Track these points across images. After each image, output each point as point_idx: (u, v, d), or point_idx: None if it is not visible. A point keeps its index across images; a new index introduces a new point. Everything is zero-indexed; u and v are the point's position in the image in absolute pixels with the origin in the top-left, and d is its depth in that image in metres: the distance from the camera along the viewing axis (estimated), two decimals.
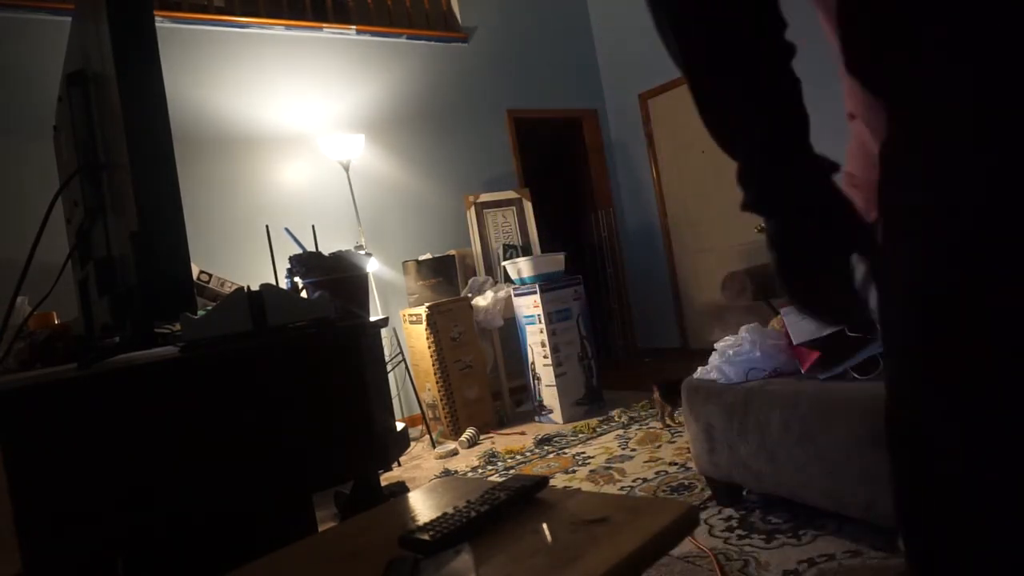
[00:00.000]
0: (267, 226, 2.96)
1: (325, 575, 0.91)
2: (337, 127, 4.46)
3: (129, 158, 0.93)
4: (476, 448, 3.66)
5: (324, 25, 4.51)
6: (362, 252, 4.07)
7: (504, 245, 4.88)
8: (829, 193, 0.69)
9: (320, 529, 1.30)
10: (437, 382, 3.97)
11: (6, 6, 3.47)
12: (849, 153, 0.83)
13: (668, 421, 3.34)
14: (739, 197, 0.72)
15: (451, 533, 0.86)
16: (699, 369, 2.29)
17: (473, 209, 4.82)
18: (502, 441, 3.74)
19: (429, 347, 3.96)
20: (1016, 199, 0.51)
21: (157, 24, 1.06)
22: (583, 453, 3.21)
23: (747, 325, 2.20)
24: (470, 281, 4.53)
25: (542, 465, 3.14)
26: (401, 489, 2.67)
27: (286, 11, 4.45)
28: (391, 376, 4.07)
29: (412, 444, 3.99)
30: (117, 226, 1.05)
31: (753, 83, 0.67)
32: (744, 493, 2.23)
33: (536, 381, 4.09)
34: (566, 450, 3.32)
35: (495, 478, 3.03)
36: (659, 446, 3.07)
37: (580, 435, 3.55)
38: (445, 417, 3.96)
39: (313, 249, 3.06)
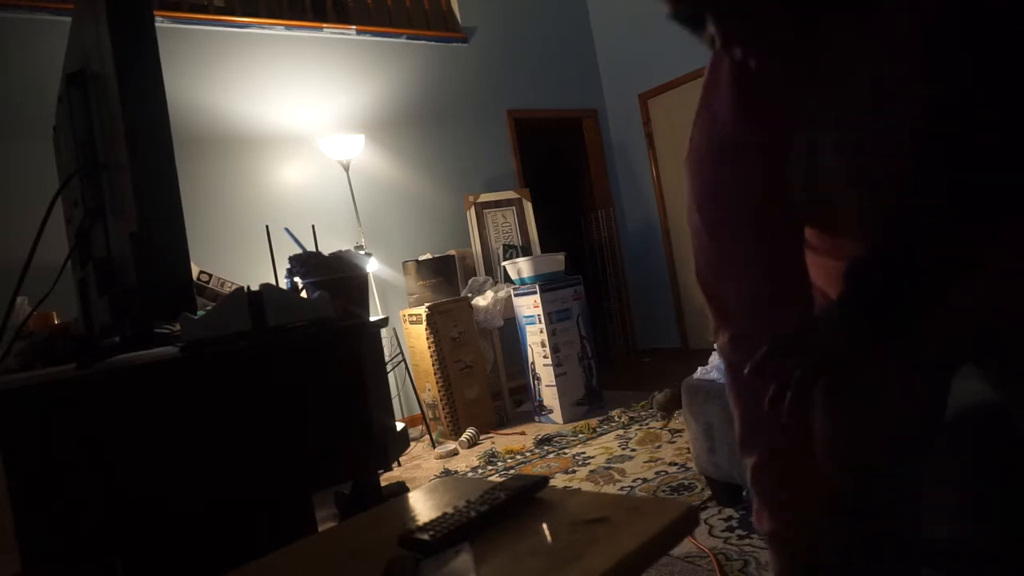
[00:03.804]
0: (267, 226, 2.95)
1: (325, 575, 0.91)
2: (337, 127, 4.46)
3: (129, 158, 0.93)
4: (476, 448, 3.66)
5: (324, 25, 4.51)
6: (362, 252, 4.07)
7: (504, 245, 4.88)
8: None
9: (320, 529, 1.30)
10: (437, 382, 3.97)
11: (6, 6, 3.47)
12: None
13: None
14: None
15: (451, 533, 0.86)
16: (699, 369, 2.29)
17: (473, 209, 4.82)
18: (502, 441, 3.74)
19: (429, 347, 3.96)
20: None
21: (157, 24, 1.06)
22: (583, 453, 3.21)
23: None
24: (470, 281, 4.53)
25: (542, 465, 3.14)
26: (401, 489, 2.67)
27: (286, 11, 4.46)
28: (391, 376, 4.07)
29: (412, 444, 3.99)
30: (117, 226, 1.05)
31: None
32: (744, 493, 2.23)
33: (536, 381, 4.09)
34: (566, 450, 3.32)
35: (495, 478, 3.03)
36: (659, 446, 3.07)
37: (580, 435, 3.55)
38: (445, 417, 3.96)
39: (313, 249, 3.06)
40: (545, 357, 4.00)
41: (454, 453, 3.62)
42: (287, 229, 3.29)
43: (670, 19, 0.72)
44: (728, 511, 2.17)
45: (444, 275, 4.33)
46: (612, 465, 2.93)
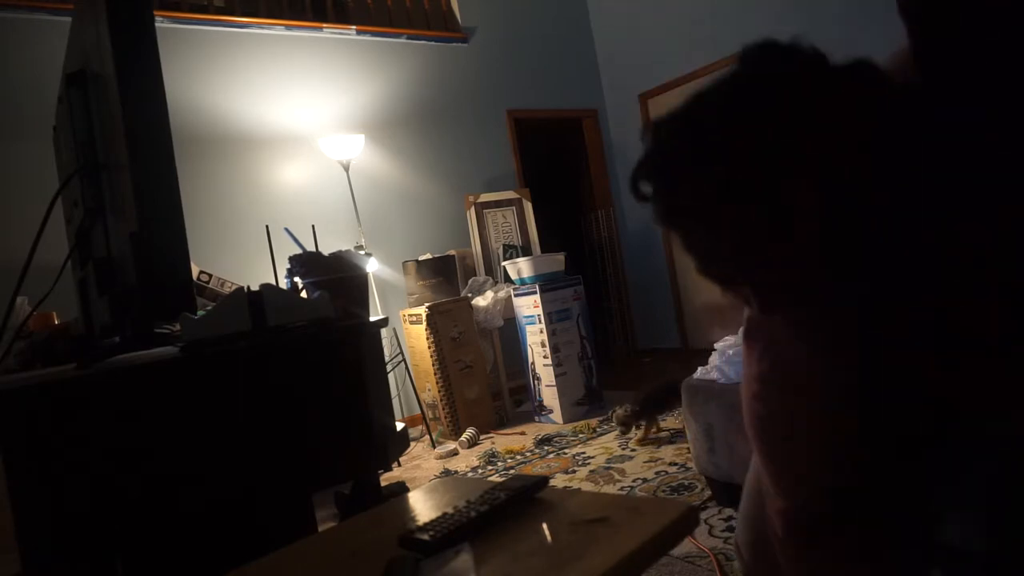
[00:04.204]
0: (267, 226, 2.95)
1: (325, 575, 0.91)
2: (337, 127, 4.46)
3: (129, 158, 0.93)
4: (476, 448, 3.66)
5: (324, 25, 4.51)
6: (362, 252, 4.07)
7: (504, 245, 4.88)
8: None
9: (320, 529, 1.30)
10: (437, 382, 3.97)
11: (6, 6, 3.47)
12: None
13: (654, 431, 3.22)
14: None
15: (451, 533, 0.86)
16: (699, 369, 2.29)
17: (473, 209, 4.82)
18: (502, 441, 3.74)
19: (429, 347, 3.96)
20: None
21: (157, 24, 1.06)
22: (583, 453, 3.21)
23: None
24: (470, 281, 4.53)
25: (542, 465, 3.14)
26: (401, 489, 2.67)
27: (286, 11, 4.46)
28: (391, 376, 4.07)
29: (412, 444, 3.99)
30: (117, 226, 1.05)
31: None
32: None
33: (536, 381, 4.09)
34: (566, 450, 3.32)
35: (495, 478, 3.03)
36: (659, 446, 3.07)
37: (580, 435, 3.55)
38: (445, 417, 3.96)
39: (313, 249, 3.06)
40: (545, 357, 4.00)
41: (454, 453, 3.62)
42: (287, 229, 3.29)
43: (700, 274, 0.71)
44: (728, 511, 2.17)
45: (444, 275, 4.33)
46: (612, 465, 2.93)
